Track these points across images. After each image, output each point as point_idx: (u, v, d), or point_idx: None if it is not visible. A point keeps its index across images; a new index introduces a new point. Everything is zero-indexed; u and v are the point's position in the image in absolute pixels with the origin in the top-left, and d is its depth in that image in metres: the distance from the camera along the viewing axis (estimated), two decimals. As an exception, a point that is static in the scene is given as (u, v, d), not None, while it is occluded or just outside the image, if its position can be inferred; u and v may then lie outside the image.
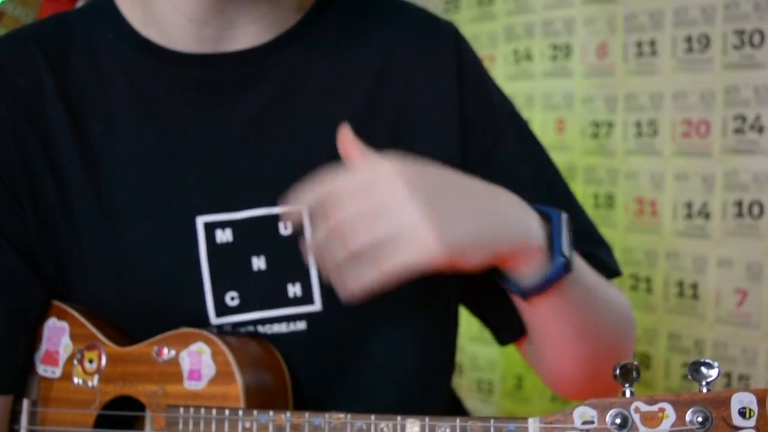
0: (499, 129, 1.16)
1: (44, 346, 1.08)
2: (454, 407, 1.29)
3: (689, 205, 1.89)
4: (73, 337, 1.07)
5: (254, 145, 1.08)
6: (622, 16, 2.02)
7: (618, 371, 0.83)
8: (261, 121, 1.09)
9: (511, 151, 1.16)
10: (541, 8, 2.25)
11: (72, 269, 1.09)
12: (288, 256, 1.07)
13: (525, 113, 2.28)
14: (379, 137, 1.10)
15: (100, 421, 1.05)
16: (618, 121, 2.05)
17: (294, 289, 1.07)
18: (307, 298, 1.07)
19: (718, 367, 0.81)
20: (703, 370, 0.81)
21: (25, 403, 1.08)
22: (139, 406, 1.05)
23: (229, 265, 1.06)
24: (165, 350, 1.03)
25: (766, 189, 1.75)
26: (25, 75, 1.09)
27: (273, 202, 1.07)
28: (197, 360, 1.01)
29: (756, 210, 1.77)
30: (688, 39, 1.87)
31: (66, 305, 1.09)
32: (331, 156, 1.08)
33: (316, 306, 1.07)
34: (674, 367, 1.98)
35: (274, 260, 1.07)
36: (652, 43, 1.95)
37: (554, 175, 1.21)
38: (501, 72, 2.34)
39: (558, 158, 2.21)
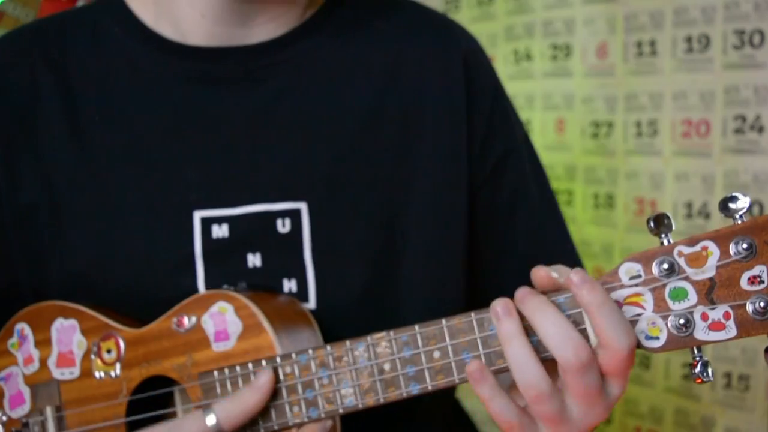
0: (514, 144, 1.16)
1: (56, 350, 1.05)
2: (455, 407, 1.28)
3: (689, 205, 1.89)
4: (85, 332, 1.04)
5: (256, 140, 1.08)
6: (622, 16, 2.02)
7: (652, 224, 0.82)
8: (265, 116, 1.08)
9: (522, 167, 1.16)
10: (541, 8, 2.25)
11: (52, 263, 1.08)
12: (284, 253, 1.06)
13: (525, 113, 2.29)
14: (385, 137, 1.10)
15: (133, 409, 1.03)
16: (618, 121, 2.05)
17: (289, 286, 1.06)
18: (301, 296, 1.06)
19: (748, 196, 0.80)
20: (731, 205, 0.80)
21: (49, 410, 1.05)
22: (170, 384, 1.03)
23: (223, 260, 1.05)
24: (185, 319, 1.00)
25: (766, 189, 1.75)
26: (18, 73, 1.10)
27: (272, 199, 1.06)
28: (221, 320, 0.99)
29: (756, 210, 1.77)
30: (688, 39, 1.87)
31: (69, 303, 1.06)
32: (333, 154, 1.08)
33: (311, 304, 1.06)
34: (674, 366, 1.97)
35: (270, 257, 1.06)
36: (652, 43, 1.95)
37: (553, 199, 1.23)
38: (501, 72, 2.33)
39: (558, 158, 2.22)
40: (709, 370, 0.81)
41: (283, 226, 1.06)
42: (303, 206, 1.06)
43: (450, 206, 1.12)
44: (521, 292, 0.85)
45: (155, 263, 1.05)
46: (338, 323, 1.04)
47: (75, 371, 1.05)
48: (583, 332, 0.83)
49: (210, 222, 1.06)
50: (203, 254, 1.05)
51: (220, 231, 1.05)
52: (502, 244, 1.16)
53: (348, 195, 1.07)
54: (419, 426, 1.13)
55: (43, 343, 1.06)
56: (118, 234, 1.06)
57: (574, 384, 0.82)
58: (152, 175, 1.07)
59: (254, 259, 1.06)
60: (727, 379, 1.84)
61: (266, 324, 0.97)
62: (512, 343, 0.84)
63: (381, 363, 0.91)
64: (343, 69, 1.11)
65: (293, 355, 0.94)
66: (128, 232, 1.06)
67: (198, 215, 1.06)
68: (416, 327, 0.89)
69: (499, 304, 0.85)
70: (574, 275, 0.82)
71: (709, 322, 0.80)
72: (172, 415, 1.04)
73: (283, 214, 1.06)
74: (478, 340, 0.87)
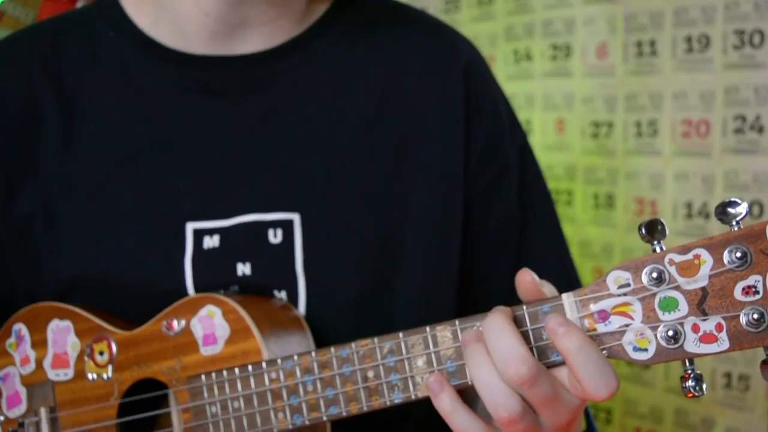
0: (508, 163, 1.14)
1: (51, 351, 1.05)
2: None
3: (689, 205, 1.89)
4: (79, 334, 1.04)
5: (252, 151, 1.07)
6: (622, 16, 2.02)
7: (644, 230, 0.79)
8: (261, 127, 1.07)
9: (512, 189, 1.15)
10: (541, 8, 2.25)
11: (46, 270, 1.08)
12: (275, 263, 1.05)
13: (525, 113, 2.29)
14: (382, 150, 1.09)
15: (124, 411, 1.03)
16: (618, 121, 2.05)
17: (279, 296, 1.05)
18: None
19: (746, 202, 0.77)
20: (730, 210, 0.77)
21: (43, 411, 1.05)
22: (162, 387, 1.03)
23: (212, 269, 1.05)
24: (175, 322, 1.00)
25: (766, 189, 1.75)
26: (14, 82, 1.10)
27: (264, 209, 1.05)
28: (209, 324, 0.98)
29: (756, 210, 1.77)
30: (688, 39, 1.87)
31: (64, 304, 1.07)
32: (329, 166, 1.07)
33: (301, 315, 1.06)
34: (674, 366, 1.97)
35: (260, 267, 1.05)
36: (652, 43, 1.95)
37: (551, 213, 1.20)
38: (501, 72, 2.34)
39: (558, 158, 2.22)
40: (703, 385, 0.79)
41: (275, 237, 1.05)
42: (296, 217, 1.05)
43: (446, 221, 1.10)
44: (464, 339, 0.84)
45: (146, 272, 1.05)
46: (328, 336, 1.03)
47: (69, 372, 1.05)
48: (542, 348, 0.82)
49: (202, 233, 1.05)
50: (192, 263, 1.05)
51: (211, 242, 1.05)
52: (492, 261, 1.15)
53: (342, 208, 1.06)
54: (412, 429, 1.13)
55: (39, 343, 1.06)
56: (111, 243, 1.06)
57: (526, 396, 0.81)
58: (146, 184, 1.06)
59: (244, 268, 1.05)
60: (727, 379, 1.84)
61: (254, 328, 0.97)
62: (478, 366, 0.82)
63: (365, 370, 0.90)
64: (342, 80, 1.10)
65: (279, 361, 0.93)
66: (121, 241, 1.06)
67: (190, 227, 1.05)
68: (400, 334, 0.88)
69: (466, 334, 0.84)
70: (549, 320, 0.81)
71: (701, 333, 0.77)
72: (165, 416, 1.05)
73: (275, 224, 1.05)
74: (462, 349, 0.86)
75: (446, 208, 1.10)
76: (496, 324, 0.82)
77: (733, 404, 1.85)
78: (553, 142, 2.21)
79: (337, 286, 1.06)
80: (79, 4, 2.22)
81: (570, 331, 0.80)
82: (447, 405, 0.84)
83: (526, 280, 0.86)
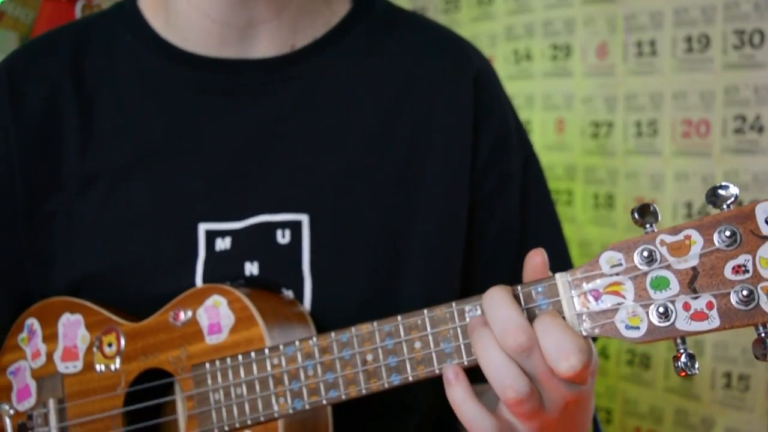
0: (511, 172, 1.15)
1: (61, 344, 1.07)
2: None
3: (689, 205, 1.89)
4: (89, 326, 1.06)
5: (264, 154, 1.09)
6: (622, 16, 2.02)
7: (636, 214, 0.81)
8: (275, 130, 1.09)
9: (514, 198, 1.16)
10: (541, 8, 2.25)
11: (59, 268, 1.09)
12: (283, 263, 1.06)
13: (525, 113, 2.29)
14: (392, 155, 1.10)
15: (130, 401, 1.05)
16: (618, 121, 2.05)
17: (287, 294, 1.06)
18: None
19: (736, 186, 0.79)
20: (721, 192, 0.78)
21: (51, 402, 1.07)
22: (168, 376, 1.04)
23: (222, 269, 1.06)
24: (181, 313, 1.02)
25: (766, 189, 1.76)
26: (38, 84, 1.12)
27: (274, 210, 1.07)
28: (215, 313, 1.00)
29: (756, 210, 1.77)
30: (688, 39, 1.88)
31: (75, 298, 1.09)
32: (339, 169, 1.08)
33: None
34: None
35: (268, 267, 1.06)
36: (652, 43, 1.96)
37: (546, 224, 1.20)
38: (501, 72, 2.33)
39: (558, 158, 2.22)
40: (695, 363, 0.80)
41: (283, 237, 1.06)
42: (304, 218, 1.06)
43: (451, 226, 1.12)
44: (471, 325, 0.85)
45: (158, 272, 1.07)
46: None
47: (78, 365, 1.07)
48: None
49: (214, 235, 1.07)
50: (204, 266, 1.06)
51: (223, 244, 1.07)
52: (493, 267, 1.15)
53: (351, 210, 1.08)
54: (414, 423, 1.13)
55: (51, 337, 1.08)
56: (125, 241, 1.08)
57: (527, 367, 0.82)
58: (160, 184, 1.08)
59: (252, 268, 1.06)
60: (727, 379, 1.84)
61: (258, 317, 0.99)
62: (486, 350, 0.83)
63: (364, 354, 0.91)
64: (356, 86, 1.11)
65: (281, 347, 0.94)
66: (134, 240, 1.08)
67: (203, 228, 1.07)
68: (399, 317, 0.90)
69: (472, 319, 0.86)
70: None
71: (692, 312, 0.78)
72: (170, 404, 1.06)
73: (283, 225, 1.06)
74: (458, 330, 0.87)
75: (452, 214, 1.12)
76: (495, 297, 0.83)
77: (733, 404, 1.84)
78: (553, 142, 2.22)
79: (343, 287, 1.07)
80: (78, 5, 2.23)
81: (542, 315, 0.82)
82: (459, 396, 0.85)
83: (537, 261, 0.87)
